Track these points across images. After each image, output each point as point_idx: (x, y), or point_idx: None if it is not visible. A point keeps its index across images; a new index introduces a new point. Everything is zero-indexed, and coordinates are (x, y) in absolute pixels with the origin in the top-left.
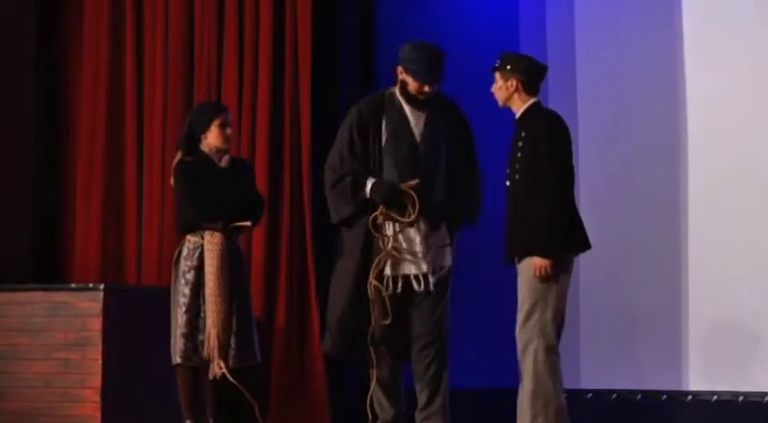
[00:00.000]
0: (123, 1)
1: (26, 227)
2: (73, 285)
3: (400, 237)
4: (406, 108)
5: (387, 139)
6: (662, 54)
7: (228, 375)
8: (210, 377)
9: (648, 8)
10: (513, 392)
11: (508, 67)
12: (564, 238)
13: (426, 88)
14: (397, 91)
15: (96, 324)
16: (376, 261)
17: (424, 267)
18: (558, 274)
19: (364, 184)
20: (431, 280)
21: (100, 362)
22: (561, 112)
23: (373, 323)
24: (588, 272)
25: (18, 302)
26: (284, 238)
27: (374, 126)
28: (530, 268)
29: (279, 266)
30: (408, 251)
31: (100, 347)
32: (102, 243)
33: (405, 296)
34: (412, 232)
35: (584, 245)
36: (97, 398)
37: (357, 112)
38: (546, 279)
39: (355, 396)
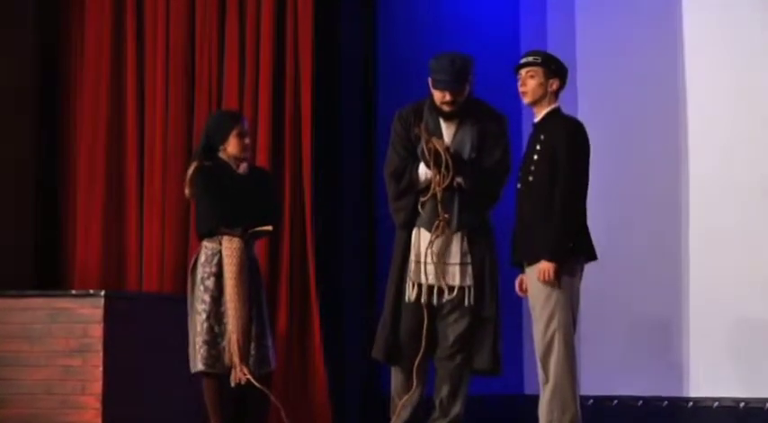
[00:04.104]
0: (124, 7)
1: (27, 233)
2: (74, 292)
3: (434, 246)
4: (440, 118)
5: (420, 147)
6: (662, 57)
7: (253, 381)
8: (233, 384)
9: (649, 12)
10: (519, 399)
11: (553, 66)
12: (571, 245)
13: (447, 97)
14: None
15: (97, 331)
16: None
17: (458, 279)
18: (566, 280)
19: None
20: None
21: (101, 368)
22: None
23: (402, 328)
24: (589, 277)
25: (19, 309)
26: (285, 244)
27: (413, 132)
28: (537, 272)
29: (280, 272)
30: (441, 260)
31: (101, 354)
32: (103, 249)
33: (436, 304)
34: (448, 241)
35: (590, 255)
36: (98, 404)
37: (398, 117)
38: (552, 284)
39: (356, 403)
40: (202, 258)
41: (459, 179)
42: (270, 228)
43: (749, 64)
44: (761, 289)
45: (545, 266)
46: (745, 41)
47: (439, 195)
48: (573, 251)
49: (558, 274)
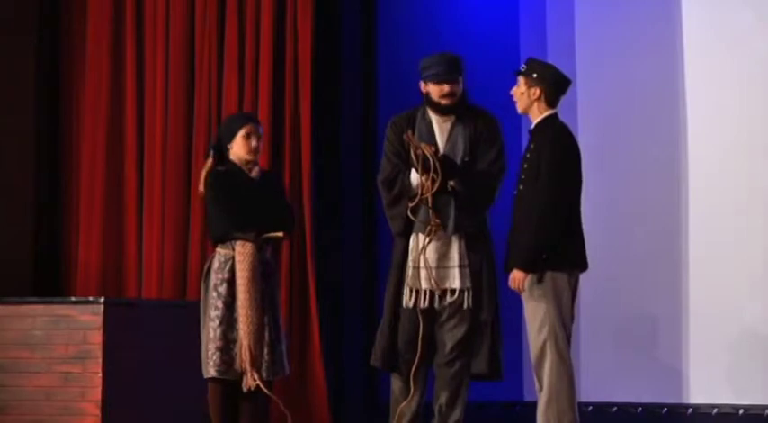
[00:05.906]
0: (124, 8)
1: (27, 240)
2: (73, 298)
3: (429, 251)
4: (434, 120)
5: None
6: (663, 65)
7: (263, 387)
8: (245, 389)
9: (649, 14)
10: (518, 405)
11: (534, 75)
12: (549, 254)
13: (446, 89)
14: (425, 105)
15: (97, 337)
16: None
17: (457, 281)
18: (554, 289)
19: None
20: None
21: (100, 375)
22: None
23: (400, 335)
24: (588, 284)
25: (19, 315)
26: (285, 249)
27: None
28: (509, 281)
29: (279, 277)
30: (440, 264)
31: (100, 361)
32: (102, 256)
33: (434, 309)
34: (446, 244)
35: (579, 265)
36: (97, 411)
37: (391, 125)
38: (523, 292)
39: (356, 409)
40: (215, 265)
41: (452, 182)
42: (281, 234)
43: (749, 66)
44: (761, 295)
45: (515, 275)
46: (745, 43)
47: (429, 200)
48: (556, 261)
49: (529, 283)
